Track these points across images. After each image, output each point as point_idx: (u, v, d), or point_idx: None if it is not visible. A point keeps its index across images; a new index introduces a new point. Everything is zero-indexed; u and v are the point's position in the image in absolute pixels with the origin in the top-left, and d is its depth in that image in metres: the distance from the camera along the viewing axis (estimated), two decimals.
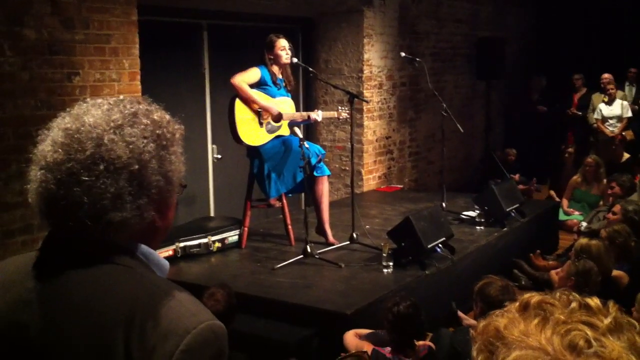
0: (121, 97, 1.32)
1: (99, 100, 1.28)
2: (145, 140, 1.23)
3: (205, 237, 5.35)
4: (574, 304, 0.91)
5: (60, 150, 1.20)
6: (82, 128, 1.21)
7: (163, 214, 1.30)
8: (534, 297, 0.94)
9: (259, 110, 5.28)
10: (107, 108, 1.25)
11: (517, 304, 0.94)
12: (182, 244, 5.20)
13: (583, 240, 4.74)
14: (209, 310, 1.22)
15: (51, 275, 1.22)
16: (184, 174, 1.32)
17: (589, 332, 0.85)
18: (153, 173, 1.23)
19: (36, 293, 1.21)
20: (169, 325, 1.13)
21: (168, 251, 5.09)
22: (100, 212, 1.19)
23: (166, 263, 1.34)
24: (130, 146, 1.21)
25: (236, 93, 5.23)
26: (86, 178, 1.18)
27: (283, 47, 5.33)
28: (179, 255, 5.17)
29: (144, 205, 1.23)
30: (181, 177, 1.32)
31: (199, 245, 5.30)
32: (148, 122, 1.26)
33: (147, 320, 1.13)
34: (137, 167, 1.21)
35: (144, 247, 1.29)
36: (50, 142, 1.22)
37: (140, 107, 1.28)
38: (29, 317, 1.20)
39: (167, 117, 1.32)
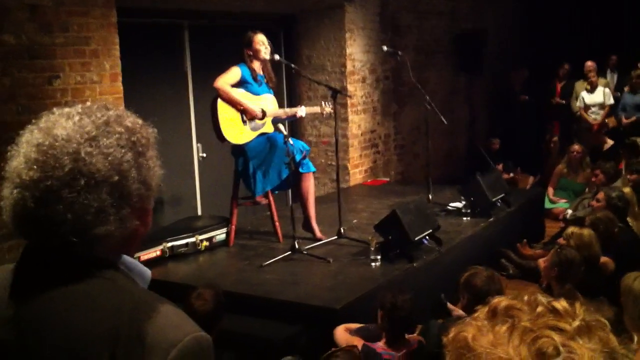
0: (88, 103, 1.28)
1: (66, 110, 1.25)
2: (122, 150, 1.21)
3: (192, 236, 5.34)
4: (540, 309, 0.90)
5: (35, 167, 1.16)
6: (55, 143, 1.17)
7: (144, 221, 1.29)
8: (502, 301, 0.93)
9: (242, 109, 5.28)
10: (78, 118, 1.21)
11: (486, 309, 0.93)
12: (169, 244, 5.19)
13: (574, 228, 4.76)
14: (194, 321, 1.21)
15: (31, 291, 1.19)
16: (161, 177, 1.30)
17: (557, 338, 0.84)
18: (133, 182, 1.22)
19: (15, 309, 1.19)
20: (154, 339, 1.12)
21: (155, 252, 5.08)
22: (85, 227, 1.17)
23: (148, 272, 1.33)
24: (109, 158, 1.19)
25: (219, 95, 5.23)
26: (67, 195, 1.15)
27: (262, 42, 5.32)
28: (166, 256, 5.16)
29: (126, 216, 1.21)
30: (159, 181, 1.30)
31: (186, 244, 5.30)
32: (122, 129, 1.23)
33: (132, 334, 1.12)
34: (117, 178, 1.19)
35: (126, 258, 1.28)
36: (23, 159, 1.18)
37: (111, 113, 1.25)
38: (6, 334, 1.17)
39: (140, 121, 1.30)
